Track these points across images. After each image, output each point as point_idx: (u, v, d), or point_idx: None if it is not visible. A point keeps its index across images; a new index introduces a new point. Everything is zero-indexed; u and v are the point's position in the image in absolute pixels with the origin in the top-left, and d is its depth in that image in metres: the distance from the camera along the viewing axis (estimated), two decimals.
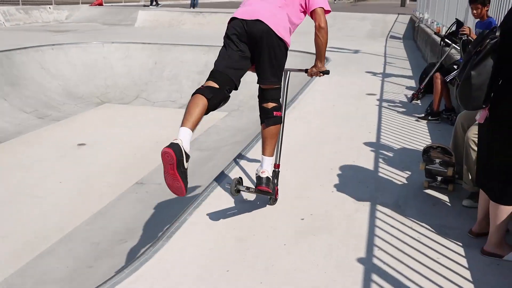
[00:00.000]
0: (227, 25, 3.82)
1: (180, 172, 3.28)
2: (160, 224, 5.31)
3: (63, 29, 18.30)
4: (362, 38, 17.10)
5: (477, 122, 3.40)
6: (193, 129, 3.43)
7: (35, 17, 21.28)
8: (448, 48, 7.64)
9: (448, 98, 6.86)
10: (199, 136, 9.42)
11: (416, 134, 6.02)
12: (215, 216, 3.93)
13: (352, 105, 7.44)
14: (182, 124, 3.42)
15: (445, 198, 4.25)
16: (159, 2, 26.89)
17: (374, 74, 10.08)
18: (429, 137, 5.88)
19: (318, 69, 4.02)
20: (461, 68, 3.19)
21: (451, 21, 10.26)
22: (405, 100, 7.83)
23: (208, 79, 3.69)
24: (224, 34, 3.77)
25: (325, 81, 8.76)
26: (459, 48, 6.83)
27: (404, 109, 7.19)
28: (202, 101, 3.53)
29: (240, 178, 3.85)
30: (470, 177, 4.07)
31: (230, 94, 3.70)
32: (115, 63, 13.46)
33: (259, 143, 5.35)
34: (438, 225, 3.78)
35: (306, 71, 4.13)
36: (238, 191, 3.81)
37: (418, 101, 7.68)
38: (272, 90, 3.91)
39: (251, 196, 4.27)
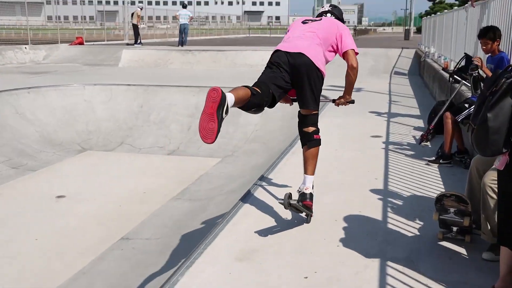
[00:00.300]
0: (270, 55, 4.63)
1: (219, 114, 3.71)
2: (149, 284, 5.12)
3: (40, 71, 18.14)
4: (364, 75, 16.86)
5: (494, 167, 3.32)
6: (236, 100, 3.95)
7: (9, 58, 21.20)
8: (457, 85, 7.54)
9: (460, 139, 6.74)
10: (189, 185, 9.18)
11: (427, 180, 5.91)
12: (210, 278, 3.81)
13: (356, 149, 7.32)
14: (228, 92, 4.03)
15: (462, 250, 4.16)
16: (141, 41, 26.81)
17: (379, 114, 9.99)
18: (441, 183, 5.77)
19: (345, 100, 4.96)
20: (475, 111, 3.16)
21: (459, 55, 10.18)
22: (413, 142, 7.66)
23: (255, 84, 4.40)
24: (267, 63, 4.57)
25: (327, 123, 8.62)
26: (469, 85, 6.78)
27: (412, 152, 7.08)
28: (246, 90, 4.13)
29: (291, 193, 4.47)
30: (489, 227, 3.99)
31: (265, 108, 4.44)
32: (97, 106, 13.25)
33: (258, 189, 5.38)
34: (457, 281, 3.68)
35: (333, 101, 5.08)
36: (290, 204, 4.41)
37: (428, 143, 7.51)
38: (312, 116, 4.76)
39: (249, 255, 4.16)
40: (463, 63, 7.35)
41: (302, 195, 4.71)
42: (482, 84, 6.35)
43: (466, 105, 6.64)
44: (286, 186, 5.65)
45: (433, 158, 6.74)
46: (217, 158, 10.82)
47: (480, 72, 6.47)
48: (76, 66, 20.35)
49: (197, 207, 7.73)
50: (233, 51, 20.68)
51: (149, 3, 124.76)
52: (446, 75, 9.94)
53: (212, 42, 30.70)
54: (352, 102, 5.03)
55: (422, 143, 7.44)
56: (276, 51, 4.68)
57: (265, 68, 4.62)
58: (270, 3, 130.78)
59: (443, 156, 6.65)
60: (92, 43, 29.60)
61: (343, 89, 4.86)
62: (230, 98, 3.88)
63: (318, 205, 5.09)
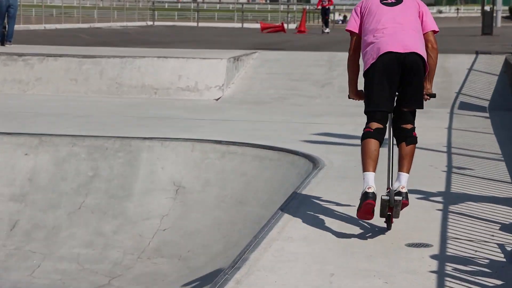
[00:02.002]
0: (375, 57, 5.04)
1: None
2: None
3: None
4: None
5: None
6: (375, 170, 5.04)
7: None
8: None
9: None
10: None
11: None
12: None
13: (381, 275, 3.89)
14: (365, 168, 5.00)
15: None
16: None
17: (424, 195, 6.24)
18: None
19: (426, 91, 5.28)
20: None
21: None
22: (500, 259, 4.55)
23: (371, 121, 5.10)
24: (370, 66, 5.08)
25: (315, 221, 4.90)
26: None
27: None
28: (376, 145, 5.08)
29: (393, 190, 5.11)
30: None
31: None
32: None
33: None
34: None
35: None
36: (395, 201, 5.03)
37: None
38: (411, 113, 5.27)
39: None
40: None
41: (399, 194, 5.07)
42: None
43: None
44: None
45: None
46: None
47: None
48: None
49: None
50: (117, 57, 13.77)
51: None
52: None
53: (75, 40, 23.41)
54: (434, 96, 5.35)
55: None
56: (387, 53, 5.01)
57: (371, 78, 5.10)
58: None
59: None
60: None
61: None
62: (372, 182, 4.96)
63: None
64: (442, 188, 6.54)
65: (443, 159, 7.98)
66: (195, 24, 43.46)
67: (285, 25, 34.77)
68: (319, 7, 30.08)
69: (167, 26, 42.39)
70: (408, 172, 5.22)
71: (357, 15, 5.37)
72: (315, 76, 13.98)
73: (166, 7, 70.17)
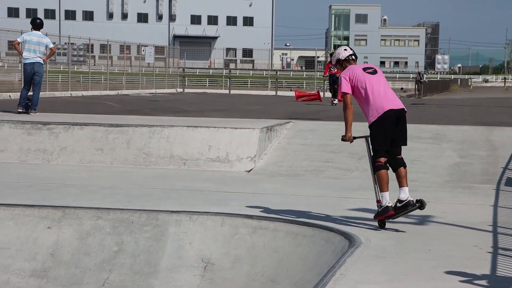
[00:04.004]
0: (380, 112, 7.74)
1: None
2: None
3: None
4: (435, 185, 11.77)
5: None
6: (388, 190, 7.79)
7: None
8: None
9: None
10: None
11: None
12: None
13: None
14: (383, 190, 7.80)
15: None
16: None
17: (468, 277, 6.12)
18: None
19: None
20: None
21: None
22: None
23: (380, 156, 7.87)
24: (376, 118, 7.77)
25: None
26: None
27: None
28: (387, 172, 7.84)
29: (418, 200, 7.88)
30: None
31: None
32: None
33: None
34: None
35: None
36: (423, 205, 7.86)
37: None
38: (401, 148, 8.04)
39: None
40: None
41: (417, 201, 7.86)
42: None
43: None
44: None
45: None
46: None
47: None
48: None
49: None
50: (145, 126, 13.88)
51: None
52: None
53: (102, 107, 23.81)
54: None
55: None
56: (389, 110, 7.76)
57: (380, 130, 7.80)
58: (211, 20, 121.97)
59: None
60: None
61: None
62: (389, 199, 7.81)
63: None
64: (487, 271, 6.43)
65: (488, 239, 7.87)
66: (226, 91, 43.94)
67: (321, 93, 34.94)
68: (327, 75, 28.86)
69: (198, 93, 42.86)
70: (407, 186, 7.88)
71: (348, 81, 7.90)
72: (351, 148, 13.96)
73: (197, 73, 71.05)
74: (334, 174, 12.62)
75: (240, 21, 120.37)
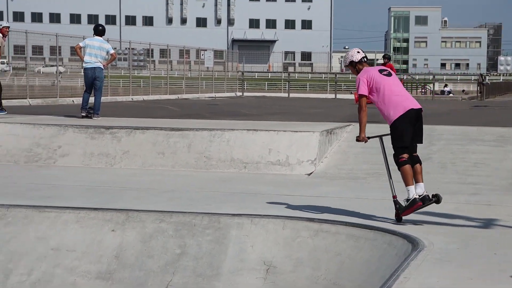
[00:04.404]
0: (403, 112, 8.22)
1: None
2: None
3: None
4: (500, 188, 11.52)
5: None
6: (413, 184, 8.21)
7: None
8: None
9: None
10: None
11: None
12: None
13: None
14: (409, 184, 8.24)
15: None
16: (3, 107, 18.29)
17: None
18: None
19: None
20: None
21: None
22: None
23: (403, 152, 8.26)
24: (398, 117, 8.23)
25: None
26: None
27: None
28: (410, 167, 8.25)
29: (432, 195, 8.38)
30: None
31: None
32: None
33: None
34: None
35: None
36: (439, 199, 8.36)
37: None
38: (417, 146, 8.47)
39: None
40: None
41: (433, 196, 8.39)
42: None
43: None
44: None
45: None
46: None
47: None
48: None
49: None
50: (206, 130, 13.88)
51: (19, 17, 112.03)
52: None
53: (162, 111, 23.58)
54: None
55: None
56: (411, 109, 8.26)
57: (402, 129, 8.25)
58: (287, 25, 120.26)
59: None
60: None
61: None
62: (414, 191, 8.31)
63: None
64: None
65: None
66: (285, 94, 43.94)
67: None
68: None
69: (257, 97, 42.96)
70: (423, 182, 8.33)
71: (365, 83, 8.31)
72: None
73: (256, 77, 71.23)
74: (395, 178, 12.46)
75: (298, 24, 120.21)
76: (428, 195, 8.21)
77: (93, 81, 16.85)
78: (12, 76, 43.57)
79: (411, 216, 8.68)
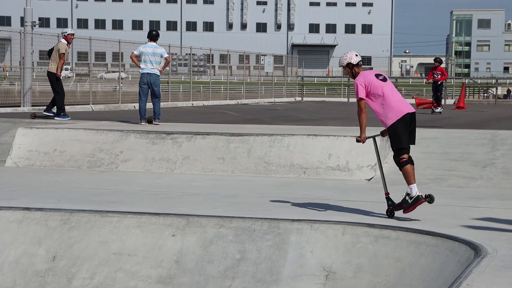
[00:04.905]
0: (400, 116, 8.68)
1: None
2: None
3: None
4: None
5: None
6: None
7: None
8: None
9: None
10: None
11: None
12: None
13: None
14: (411, 183, 8.70)
15: None
16: (65, 110, 18.66)
17: None
18: None
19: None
20: None
21: None
22: None
23: (403, 153, 8.78)
24: (396, 121, 8.68)
25: None
26: None
27: None
28: (412, 166, 8.77)
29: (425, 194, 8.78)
30: None
31: None
32: None
33: None
34: None
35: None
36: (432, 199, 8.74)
37: None
38: (410, 147, 8.90)
39: None
40: None
41: (426, 196, 8.78)
42: None
43: None
44: None
45: None
46: None
47: None
48: None
49: None
50: (266, 135, 13.91)
51: (83, 24, 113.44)
52: None
53: (222, 116, 23.44)
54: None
55: None
56: (407, 113, 8.74)
57: (400, 131, 8.72)
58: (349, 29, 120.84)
59: None
60: None
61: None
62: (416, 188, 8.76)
63: None
64: None
65: None
66: (345, 99, 43.67)
67: (442, 101, 34.13)
68: (429, 81, 27.43)
69: (316, 101, 42.84)
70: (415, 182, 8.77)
71: (364, 87, 8.71)
72: (475, 156, 13.66)
73: (315, 82, 71.10)
74: (457, 183, 12.33)
75: (358, 28, 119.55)
76: (421, 195, 8.68)
77: (149, 88, 16.92)
78: (75, 82, 44.33)
79: (473, 222, 8.53)
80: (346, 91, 46.00)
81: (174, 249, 8.70)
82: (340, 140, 13.41)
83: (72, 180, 12.56)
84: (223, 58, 54.59)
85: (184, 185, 12.00)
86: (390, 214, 8.96)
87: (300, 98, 44.84)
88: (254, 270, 8.30)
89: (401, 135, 8.70)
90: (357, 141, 9.02)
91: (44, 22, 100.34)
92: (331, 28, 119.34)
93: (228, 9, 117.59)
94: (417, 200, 8.61)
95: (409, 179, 8.69)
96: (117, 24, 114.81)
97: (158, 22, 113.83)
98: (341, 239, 8.38)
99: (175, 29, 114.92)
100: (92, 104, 27.83)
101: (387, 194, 8.97)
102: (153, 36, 17.26)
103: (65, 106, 19.05)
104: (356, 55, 8.92)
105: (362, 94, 8.71)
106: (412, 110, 8.79)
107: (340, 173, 12.89)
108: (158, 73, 17.02)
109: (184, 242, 8.74)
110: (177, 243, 8.74)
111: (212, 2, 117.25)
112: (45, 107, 19.34)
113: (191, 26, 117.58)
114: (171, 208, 9.64)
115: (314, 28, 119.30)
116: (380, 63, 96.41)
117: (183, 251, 8.67)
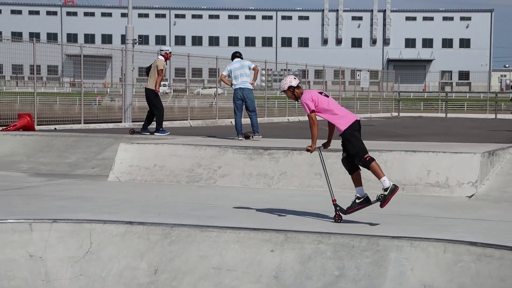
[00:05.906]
0: (353, 124, 9.57)
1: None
2: None
3: None
4: None
5: None
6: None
7: None
8: None
9: None
10: None
11: None
12: None
13: None
14: (381, 176, 9.54)
15: None
16: (162, 126, 19.28)
17: None
18: None
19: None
20: None
21: None
22: None
23: (366, 154, 9.51)
24: (348, 127, 9.56)
25: None
26: None
27: None
28: (377, 162, 9.67)
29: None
30: None
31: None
32: (58, 268, 8.98)
33: None
34: None
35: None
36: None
37: None
38: None
39: None
40: None
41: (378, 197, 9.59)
42: None
43: None
44: None
45: None
46: None
47: None
48: (14, 177, 14.98)
49: None
50: None
51: (180, 40, 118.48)
52: None
53: (319, 132, 24.43)
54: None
55: None
56: (356, 120, 9.66)
57: (356, 135, 9.64)
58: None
59: None
60: (50, 126, 22.87)
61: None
62: (387, 179, 9.68)
63: None
64: None
65: None
66: (443, 115, 43.04)
67: None
68: None
69: (413, 117, 42.35)
70: (384, 176, 9.59)
71: (312, 102, 9.48)
72: None
73: (411, 97, 70.24)
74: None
75: (456, 43, 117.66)
76: (368, 197, 9.72)
77: (243, 103, 17.08)
78: (173, 98, 45.12)
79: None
80: (444, 106, 45.30)
81: (273, 265, 8.70)
82: (439, 156, 13.20)
83: (171, 194, 12.77)
84: (318, 73, 54.63)
85: (282, 200, 12.03)
86: (338, 219, 9.59)
87: (396, 114, 44.44)
88: (353, 287, 8.22)
89: (356, 138, 9.46)
90: (307, 150, 9.71)
91: (143, 40, 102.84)
92: (427, 43, 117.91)
93: (323, 24, 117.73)
94: (393, 190, 9.33)
95: (377, 174, 9.39)
96: (214, 41, 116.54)
97: (253, 38, 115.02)
98: (442, 257, 8.22)
99: (270, 45, 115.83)
100: (190, 119, 28.27)
101: (334, 201, 9.65)
102: (236, 56, 17.50)
103: (164, 122, 19.42)
104: (295, 78, 9.73)
105: (312, 107, 9.40)
106: (358, 118, 9.67)
107: (439, 189, 12.66)
108: (251, 87, 17.18)
109: (283, 258, 8.74)
110: (275, 258, 8.75)
111: (307, 18, 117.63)
112: (142, 124, 19.80)
113: (286, 42, 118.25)
114: (269, 224, 9.66)
115: (410, 43, 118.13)
116: (478, 78, 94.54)
117: (281, 266, 8.67)
